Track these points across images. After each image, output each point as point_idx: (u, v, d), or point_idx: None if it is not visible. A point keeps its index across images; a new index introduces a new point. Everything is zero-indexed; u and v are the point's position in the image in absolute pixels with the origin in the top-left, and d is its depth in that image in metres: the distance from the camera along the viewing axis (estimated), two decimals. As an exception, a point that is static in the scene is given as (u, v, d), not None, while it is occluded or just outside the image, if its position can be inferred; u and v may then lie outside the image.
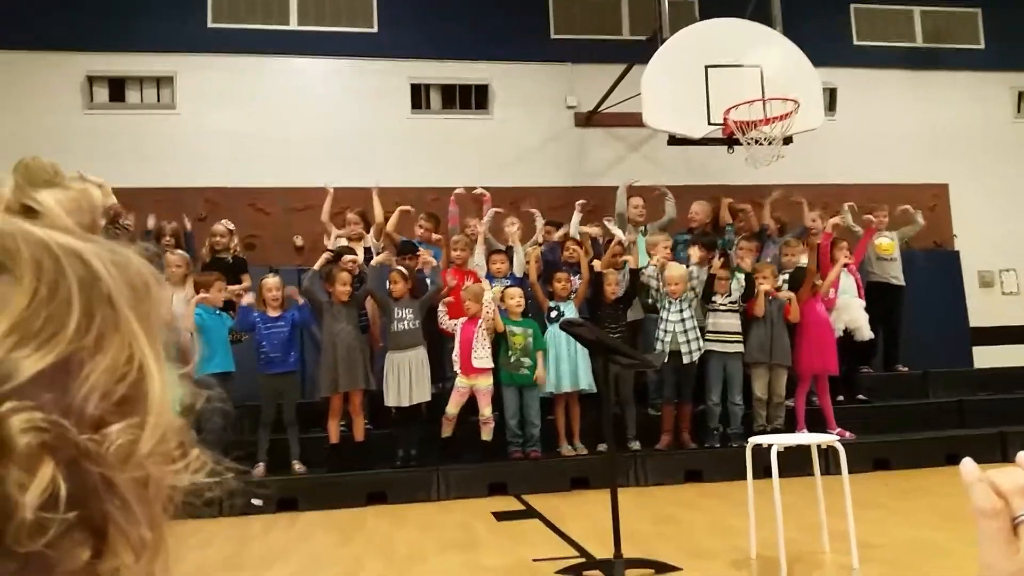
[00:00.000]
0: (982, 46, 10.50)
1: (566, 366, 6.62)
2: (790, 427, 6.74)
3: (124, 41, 8.80)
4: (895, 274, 8.07)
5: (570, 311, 6.68)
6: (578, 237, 7.34)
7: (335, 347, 6.31)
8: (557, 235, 7.62)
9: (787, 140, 7.11)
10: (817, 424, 6.78)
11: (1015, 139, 10.38)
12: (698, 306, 6.80)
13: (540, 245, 7.40)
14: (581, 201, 7.57)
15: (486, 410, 6.37)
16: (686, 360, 6.63)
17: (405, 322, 6.43)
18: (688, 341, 6.64)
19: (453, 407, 6.40)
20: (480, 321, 6.40)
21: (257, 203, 8.81)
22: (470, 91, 9.56)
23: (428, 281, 6.85)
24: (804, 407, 6.88)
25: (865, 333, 7.40)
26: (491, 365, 6.44)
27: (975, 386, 8.34)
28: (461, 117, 9.49)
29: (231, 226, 7.41)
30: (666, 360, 6.53)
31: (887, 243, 8.09)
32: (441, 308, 6.84)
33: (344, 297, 6.42)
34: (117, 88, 8.97)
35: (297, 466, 6.32)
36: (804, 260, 7.29)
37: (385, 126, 9.21)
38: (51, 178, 0.48)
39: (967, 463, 0.65)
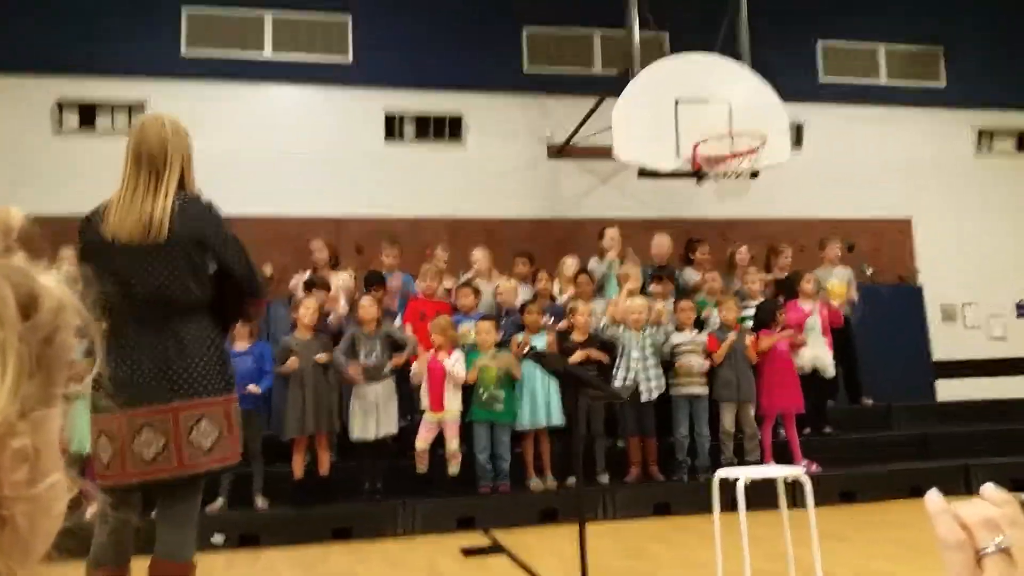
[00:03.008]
0: (943, 84, 10.75)
1: (541, 400, 6.55)
2: (758, 460, 6.72)
3: (95, 66, 8.72)
4: (844, 307, 7.97)
5: (542, 344, 6.61)
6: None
7: (303, 387, 6.15)
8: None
9: (754, 174, 7.26)
10: (785, 457, 6.78)
11: (976, 175, 10.59)
12: (659, 345, 6.72)
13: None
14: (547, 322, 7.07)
15: (453, 443, 6.29)
16: (644, 398, 6.59)
17: (374, 355, 6.33)
18: (648, 379, 6.61)
19: (422, 442, 6.31)
20: (447, 376, 6.28)
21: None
22: (444, 121, 9.57)
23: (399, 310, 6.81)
24: (770, 440, 6.88)
25: (829, 371, 7.40)
26: (459, 406, 6.35)
27: (939, 419, 8.41)
28: (435, 148, 9.49)
29: None
30: (640, 390, 6.52)
31: (838, 286, 7.99)
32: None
33: (308, 328, 6.28)
34: (88, 114, 8.88)
35: (260, 501, 6.18)
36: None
37: (359, 154, 9.16)
38: None
39: (932, 494, 0.65)
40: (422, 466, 6.33)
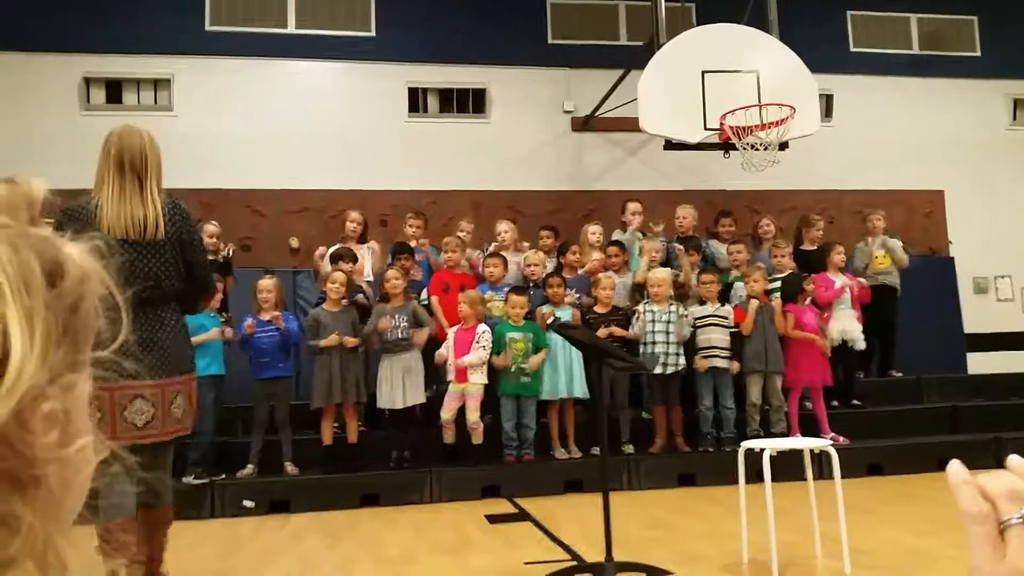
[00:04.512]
0: (978, 53, 10.50)
1: (563, 374, 6.55)
2: (784, 433, 6.69)
3: (121, 43, 8.78)
4: (891, 281, 7.96)
5: (566, 316, 6.62)
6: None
7: (329, 362, 6.21)
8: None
9: (783, 145, 7.12)
10: (811, 429, 6.72)
11: (1010, 146, 10.38)
12: (683, 318, 6.66)
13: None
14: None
15: (473, 415, 6.29)
16: (667, 370, 6.55)
17: (399, 330, 6.34)
18: (667, 354, 6.57)
19: (447, 413, 6.34)
20: (472, 357, 6.26)
21: (253, 205, 8.80)
22: (468, 95, 9.54)
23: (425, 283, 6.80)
24: (797, 412, 6.83)
25: (859, 344, 7.31)
26: (483, 380, 6.35)
27: (969, 392, 8.31)
28: (458, 121, 9.46)
29: (219, 227, 7.32)
30: (660, 363, 6.49)
31: (882, 256, 7.97)
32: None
33: (336, 303, 6.33)
34: (114, 90, 8.94)
35: (289, 468, 6.26)
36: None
37: (382, 129, 9.18)
38: None
39: (954, 465, 0.63)
40: (449, 436, 6.39)
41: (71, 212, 3.08)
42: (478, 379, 6.33)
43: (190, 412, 3.28)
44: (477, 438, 6.36)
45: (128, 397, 3.06)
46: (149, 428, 3.08)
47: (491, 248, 7.42)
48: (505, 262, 7.03)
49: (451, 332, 6.47)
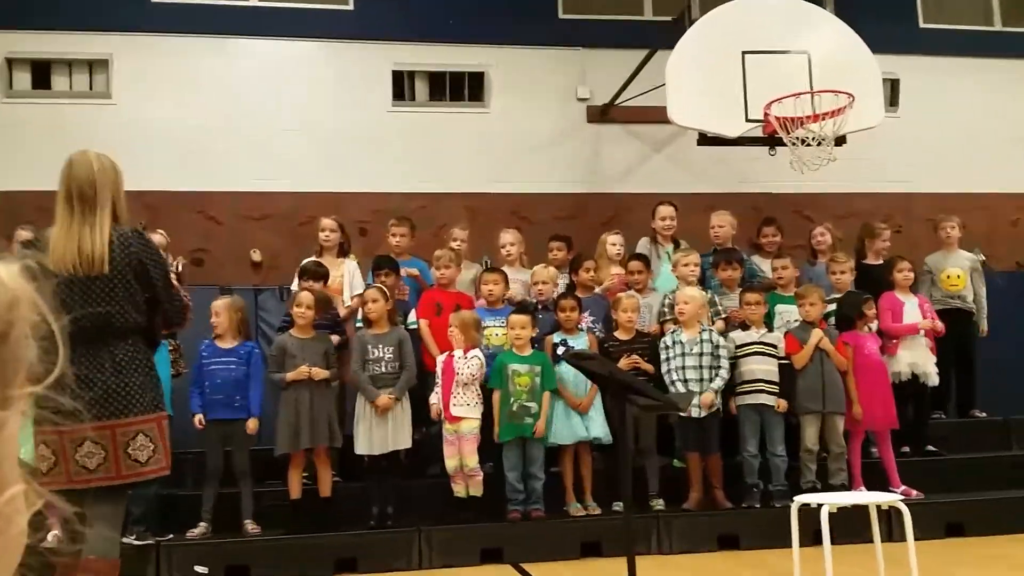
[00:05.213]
0: (1071, 30, 10.56)
1: (577, 414, 6.53)
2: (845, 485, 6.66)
3: (50, 18, 8.78)
4: (967, 305, 7.93)
5: (580, 344, 6.63)
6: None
7: (296, 398, 6.17)
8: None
9: (840, 140, 7.13)
10: (878, 481, 6.68)
11: (1112, 140, 10.41)
12: (721, 347, 6.65)
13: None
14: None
15: (470, 460, 6.26)
16: (695, 413, 6.51)
17: (383, 363, 6.33)
18: (702, 392, 6.51)
19: (452, 460, 6.29)
20: (458, 370, 6.27)
21: (207, 210, 8.77)
22: (463, 80, 9.54)
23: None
24: (860, 460, 6.80)
25: (932, 380, 7.30)
26: (476, 415, 6.34)
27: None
28: (452, 111, 9.47)
29: (167, 237, 7.33)
30: (695, 402, 6.46)
31: (957, 274, 7.93)
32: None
33: (306, 328, 6.29)
34: (42, 73, 8.97)
35: (250, 526, 6.21)
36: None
37: (362, 120, 9.16)
38: None
39: None
40: (460, 488, 6.32)
41: (33, 243, 3.64)
42: (466, 412, 6.27)
43: (163, 452, 3.62)
44: (475, 489, 6.34)
45: (77, 440, 3.41)
46: (103, 471, 3.43)
47: (487, 262, 7.48)
48: (506, 279, 7.01)
49: (440, 360, 6.44)
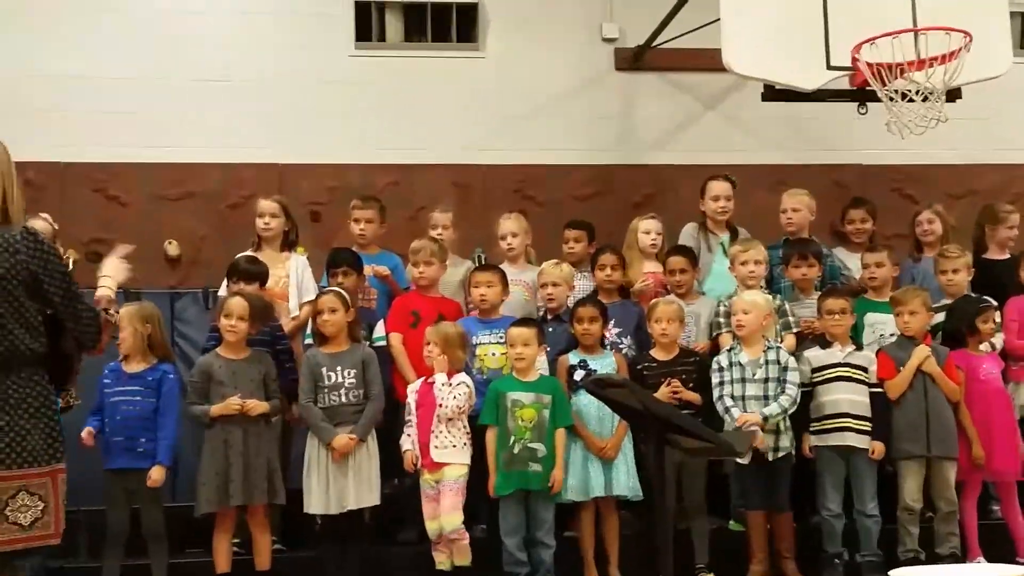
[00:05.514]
0: None
1: (598, 459, 6.54)
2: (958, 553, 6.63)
3: None
4: None
5: (605, 366, 6.53)
6: None
7: (225, 439, 6.13)
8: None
9: (953, 95, 7.08)
10: (1000, 547, 6.68)
11: None
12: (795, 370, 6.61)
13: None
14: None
15: (452, 519, 6.16)
16: (768, 455, 6.51)
17: (342, 391, 6.31)
18: (772, 430, 6.50)
19: (433, 523, 6.22)
20: (440, 400, 6.22)
21: (106, 188, 8.73)
22: (449, 13, 9.38)
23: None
24: (976, 521, 6.78)
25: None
26: (465, 460, 6.29)
27: None
28: (434, 54, 9.40)
29: (54, 224, 7.16)
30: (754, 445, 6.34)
31: None
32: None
33: (238, 346, 6.26)
34: None
35: (164, 608, 6.01)
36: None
37: (314, 69, 9.09)
38: None
39: None
40: (443, 559, 6.27)
41: None
42: (450, 456, 6.22)
43: (53, 515, 3.68)
44: (461, 556, 6.23)
45: None
46: None
47: (480, 255, 7.61)
48: (505, 280, 6.94)
49: (412, 390, 6.40)
